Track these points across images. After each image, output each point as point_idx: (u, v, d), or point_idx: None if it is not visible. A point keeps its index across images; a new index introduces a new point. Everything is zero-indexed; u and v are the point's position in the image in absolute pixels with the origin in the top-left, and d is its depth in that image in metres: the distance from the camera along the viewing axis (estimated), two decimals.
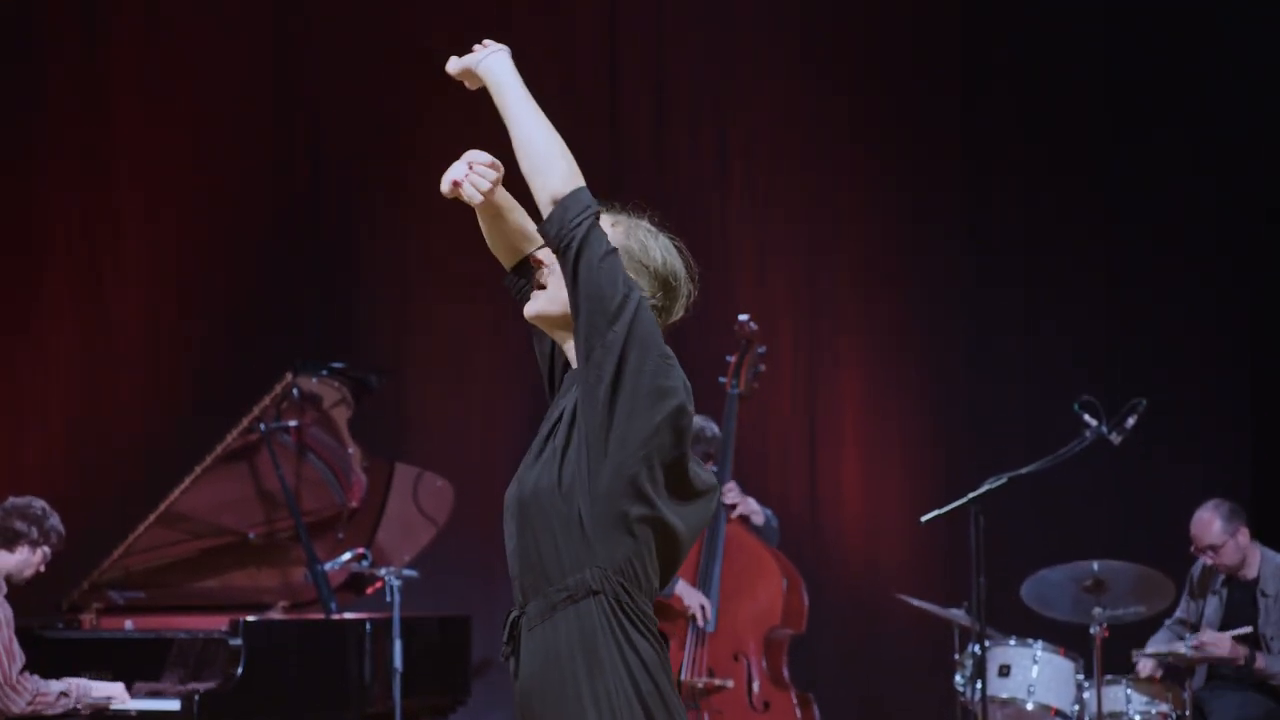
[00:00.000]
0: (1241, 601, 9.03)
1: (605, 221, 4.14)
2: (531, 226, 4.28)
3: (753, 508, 8.98)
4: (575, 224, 3.98)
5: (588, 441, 3.97)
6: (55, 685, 8.13)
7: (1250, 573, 8.97)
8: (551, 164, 4.10)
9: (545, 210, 4.05)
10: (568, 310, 4.04)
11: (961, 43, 11.27)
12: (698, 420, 8.51)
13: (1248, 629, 8.75)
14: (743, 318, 9.09)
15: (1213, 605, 9.09)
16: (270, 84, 11.16)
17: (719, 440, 8.93)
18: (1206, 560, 8.94)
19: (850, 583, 10.61)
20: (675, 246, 4.38)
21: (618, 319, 3.95)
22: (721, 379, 9.00)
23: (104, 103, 11.06)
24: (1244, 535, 8.92)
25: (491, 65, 4.33)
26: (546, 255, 4.17)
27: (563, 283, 4.06)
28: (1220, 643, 8.70)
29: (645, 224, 4.34)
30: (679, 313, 4.32)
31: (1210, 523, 8.87)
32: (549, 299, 4.15)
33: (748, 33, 11.20)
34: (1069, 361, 10.52)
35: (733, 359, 9.01)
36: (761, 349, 9.06)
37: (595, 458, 3.96)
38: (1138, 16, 11.17)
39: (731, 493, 8.89)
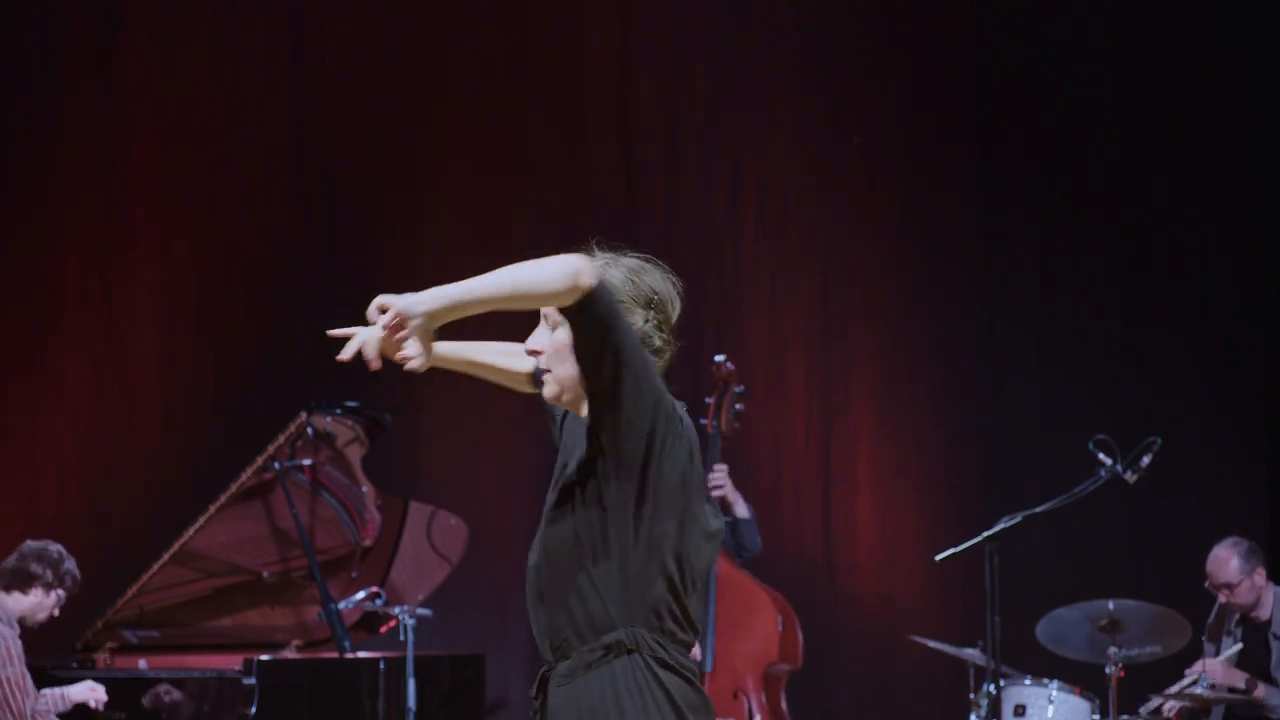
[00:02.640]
0: (1255, 643, 9.05)
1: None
2: (517, 362, 4.49)
3: (740, 510, 9.01)
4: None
5: (613, 505, 3.99)
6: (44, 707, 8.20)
7: (1264, 613, 8.98)
8: (539, 281, 3.96)
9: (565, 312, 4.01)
10: (575, 385, 4.10)
11: (976, 81, 11.28)
12: None
13: (1238, 646, 8.76)
14: (719, 358, 9.14)
15: (1226, 649, 9.09)
16: (286, 128, 11.17)
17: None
18: (1221, 598, 8.92)
19: (864, 622, 10.59)
20: (646, 265, 4.29)
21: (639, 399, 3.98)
22: (702, 420, 9.00)
23: (120, 144, 11.06)
24: (1260, 575, 8.91)
25: (428, 298, 4.16)
26: (537, 342, 4.20)
27: (562, 361, 4.10)
28: (1215, 670, 8.70)
29: (624, 260, 4.27)
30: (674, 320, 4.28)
31: (1227, 560, 8.86)
32: (556, 381, 4.16)
33: (760, 71, 11.23)
34: (1084, 400, 10.52)
35: (711, 400, 9.05)
36: (739, 388, 9.09)
37: (621, 520, 3.98)
38: (1154, 60, 11.20)
39: (720, 478, 8.96)
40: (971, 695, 8.74)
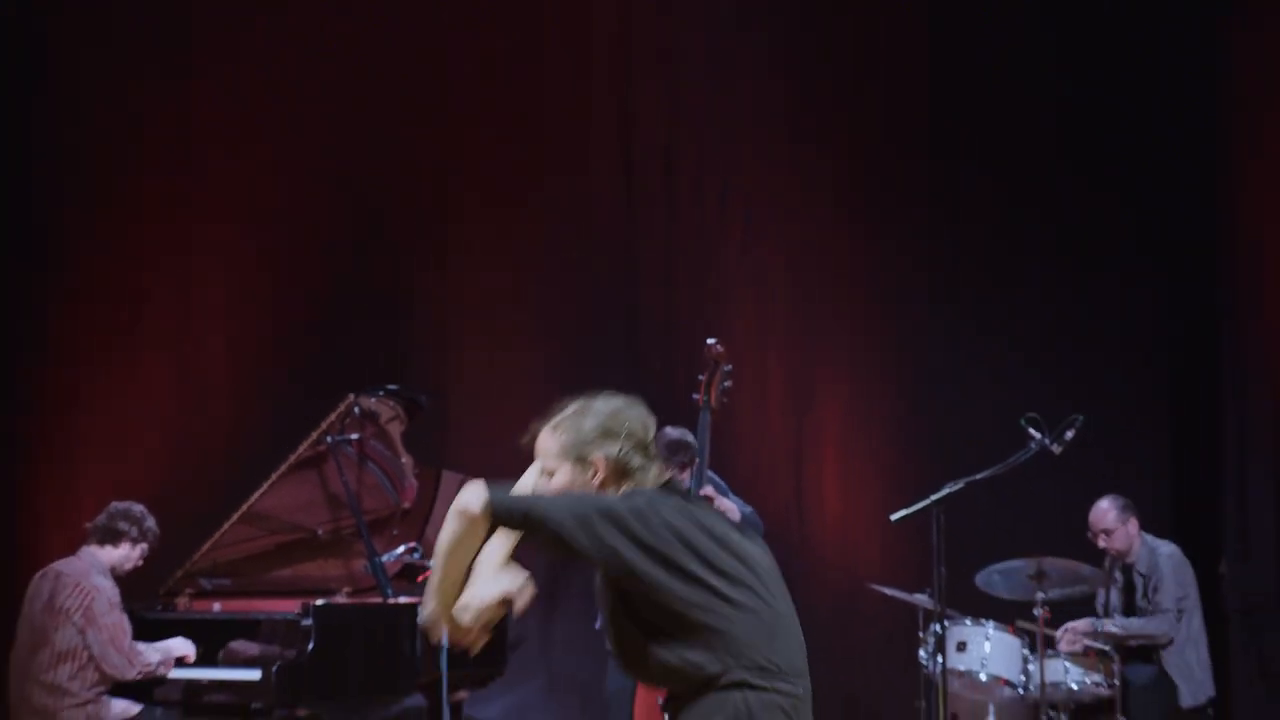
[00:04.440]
0: (1128, 583, 9.26)
1: (554, 442, 4.39)
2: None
3: (729, 506, 8.94)
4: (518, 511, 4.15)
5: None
6: (153, 655, 8.30)
7: (1133, 558, 9.21)
8: (455, 536, 4.21)
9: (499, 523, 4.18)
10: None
11: (929, 112, 11.29)
12: (676, 431, 8.68)
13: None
14: (710, 341, 9.00)
15: (1113, 591, 9.31)
16: (334, 153, 11.20)
17: (693, 449, 8.96)
18: (1100, 543, 9.18)
19: (830, 574, 10.63)
20: (619, 404, 4.47)
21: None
22: (695, 395, 8.94)
23: (194, 164, 11.13)
24: (1134, 525, 9.18)
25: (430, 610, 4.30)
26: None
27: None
28: (1075, 633, 8.96)
29: (596, 403, 4.46)
30: (650, 439, 4.39)
31: (1107, 511, 9.16)
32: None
33: (745, 105, 11.24)
34: (1018, 383, 10.52)
35: (703, 377, 8.93)
36: (728, 367, 8.95)
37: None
38: (1080, 81, 11.26)
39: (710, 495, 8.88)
40: (920, 634, 8.89)
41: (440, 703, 8.71)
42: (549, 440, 4.39)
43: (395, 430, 8.94)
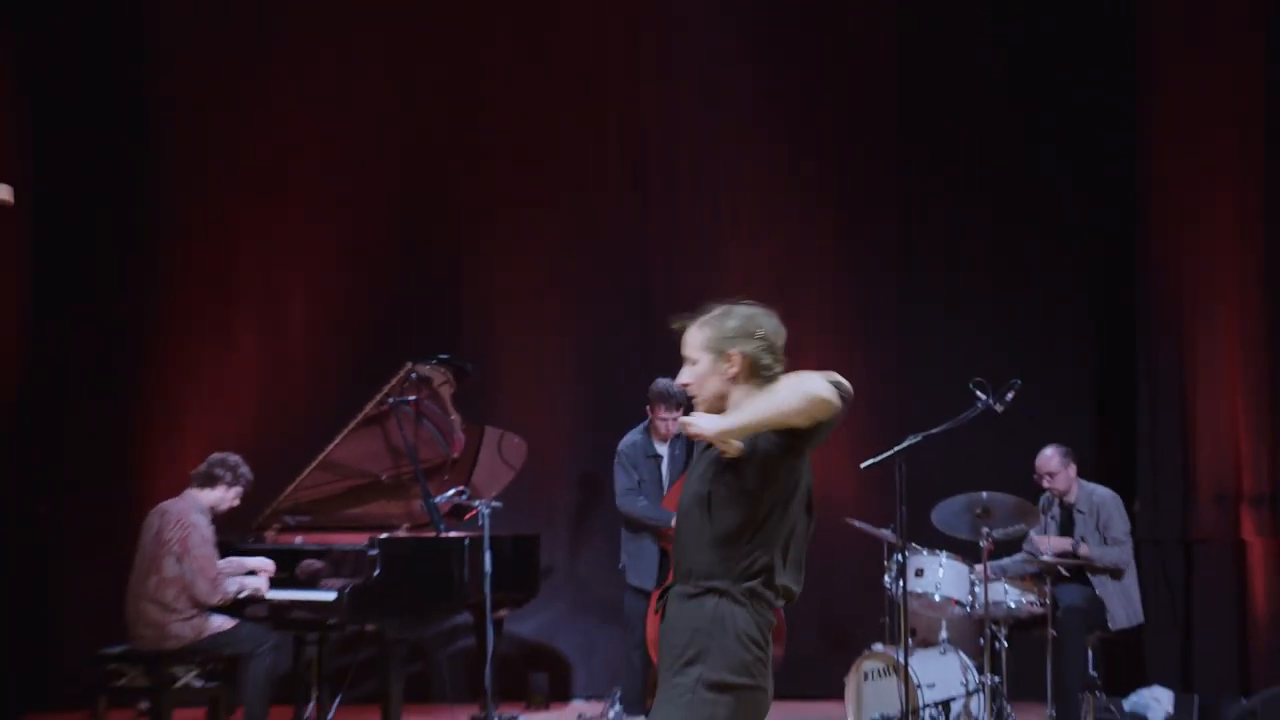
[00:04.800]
0: (1066, 519, 9.27)
1: (699, 335, 4.28)
2: None
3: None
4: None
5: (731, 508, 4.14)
6: (231, 586, 8.39)
7: (1071, 497, 9.20)
8: (798, 407, 4.04)
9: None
10: (712, 403, 4.26)
11: (896, 129, 11.27)
12: (666, 381, 9.02)
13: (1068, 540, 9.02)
14: None
15: (1051, 523, 9.34)
16: (400, 155, 11.25)
17: (681, 396, 8.97)
18: (1044, 484, 9.18)
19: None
20: (757, 311, 4.40)
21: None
22: None
23: (280, 163, 11.19)
24: (1073, 470, 9.17)
25: (720, 424, 4.06)
26: (686, 376, 4.31)
27: (703, 386, 4.28)
28: (1053, 543, 8.98)
29: (738, 307, 4.37)
30: (780, 345, 4.34)
31: (1052, 457, 9.15)
32: (701, 401, 4.30)
33: (735, 124, 11.23)
34: (969, 352, 10.52)
35: None
36: None
37: (732, 520, 4.15)
38: (1026, 81, 11.22)
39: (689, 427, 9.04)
40: (885, 563, 8.90)
41: (485, 619, 8.84)
42: (695, 334, 4.29)
43: (446, 392, 8.97)
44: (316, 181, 11.23)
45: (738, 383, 4.20)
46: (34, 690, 10.29)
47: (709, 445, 4.19)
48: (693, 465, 4.31)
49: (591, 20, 11.35)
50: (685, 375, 4.28)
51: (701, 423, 4.02)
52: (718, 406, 4.21)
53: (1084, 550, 8.93)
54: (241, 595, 8.36)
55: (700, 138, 11.32)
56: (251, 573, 8.53)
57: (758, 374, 4.21)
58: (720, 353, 4.21)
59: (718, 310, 4.31)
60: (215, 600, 8.26)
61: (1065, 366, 11.12)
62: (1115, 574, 9.02)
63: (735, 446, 4.01)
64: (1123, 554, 9.05)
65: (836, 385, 4.09)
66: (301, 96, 11.23)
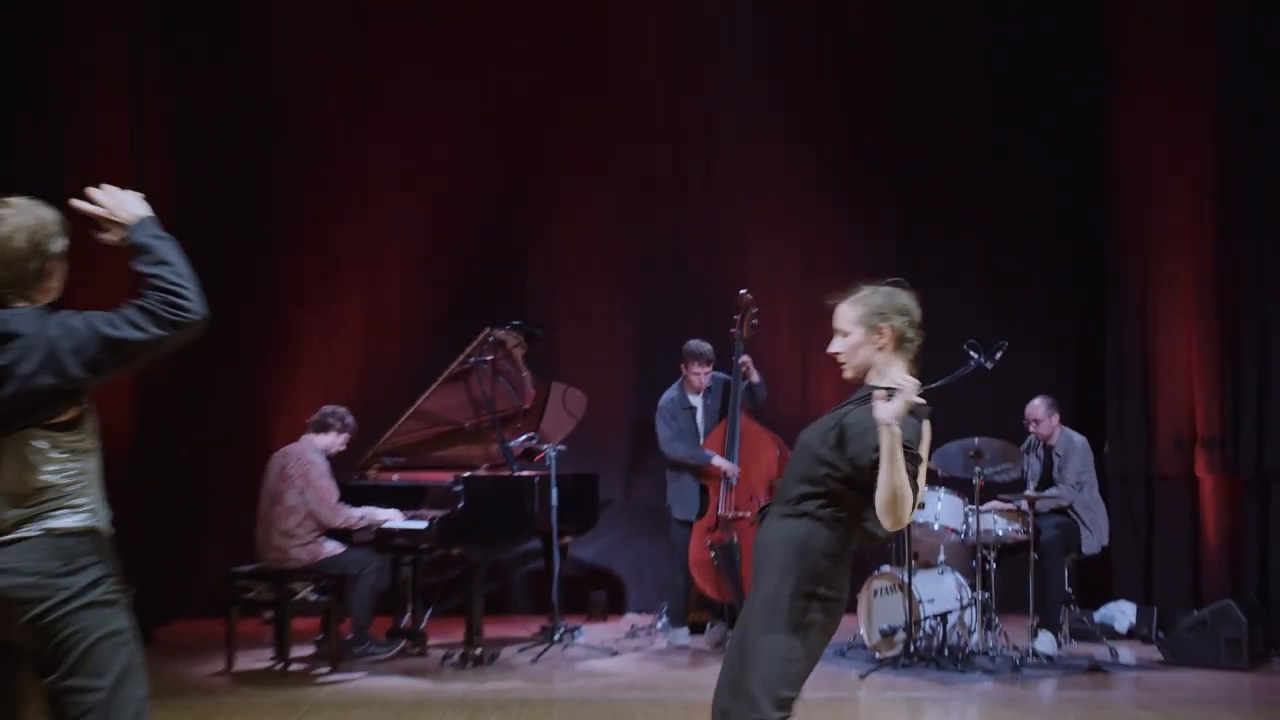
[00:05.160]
0: (1046, 458, 9.28)
1: (852, 311, 4.12)
2: None
3: (755, 377, 9.14)
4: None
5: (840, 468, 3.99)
6: (355, 512, 8.49)
7: (1053, 442, 9.23)
8: (901, 505, 3.80)
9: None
10: (860, 371, 4.15)
11: (894, 130, 11.23)
12: (696, 341, 9.13)
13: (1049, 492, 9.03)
14: (742, 290, 9.21)
15: (1033, 463, 9.33)
16: (474, 152, 11.23)
17: (709, 353, 9.25)
18: (1031, 429, 9.20)
19: None
20: (896, 289, 4.24)
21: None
22: (731, 329, 9.16)
23: (375, 163, 11.18)
24: (1056, 418, 9.20)
25: (891, 440, 3.79)
26: (837, 346, 4.17)
27: (853, 356, 4.15)
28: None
29: (884, 287, 4.22)
30: (919, 320, 4.21)
31: (1040, 406, 9.17)
32: (851, 369, 4.19)
33: (761, 132, 11.19)
34: (964, 316, 10.46)
35: (737, 316, 9.13)
36: (755, 309, 9.17)
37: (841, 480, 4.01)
38: (1010, 69, 11.17)
39: (747, 363, 9.11)
40: None
41: (552, 545, 8.92)
42: (848, 310, 4.17)
43: (518, 353, 9.03)
44: (411, 176, 11.24)
45: (884, 352, 4.11)
46: (181, 601, 10.43)
47: (844, 413, 4.09)
48: (821, 420, 4.21)
49: (641, 45, 11.33)
50: (837, 345, 4.17)
51: (885, 412, 3.82)
52: (863, 373, 4.13)
53: (1055, 491, 8.99)
54: (364, 524, 8.46)
55: (730, 143, 11.29)
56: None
57: (902, 346, 4.13)
58: (872, 327, 4.11)
59: (867, 290, 4.18)
60: (337, 522, 8.37)
61: (1046, 330, 11.07)
62: (1059, 510, 9.05)
63: (891, 433, 3.81)
64: (1065, 493, 9.07)
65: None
66: (398, 102, 11.23)
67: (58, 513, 3.40)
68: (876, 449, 3.83)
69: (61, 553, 3.37)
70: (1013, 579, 9.16)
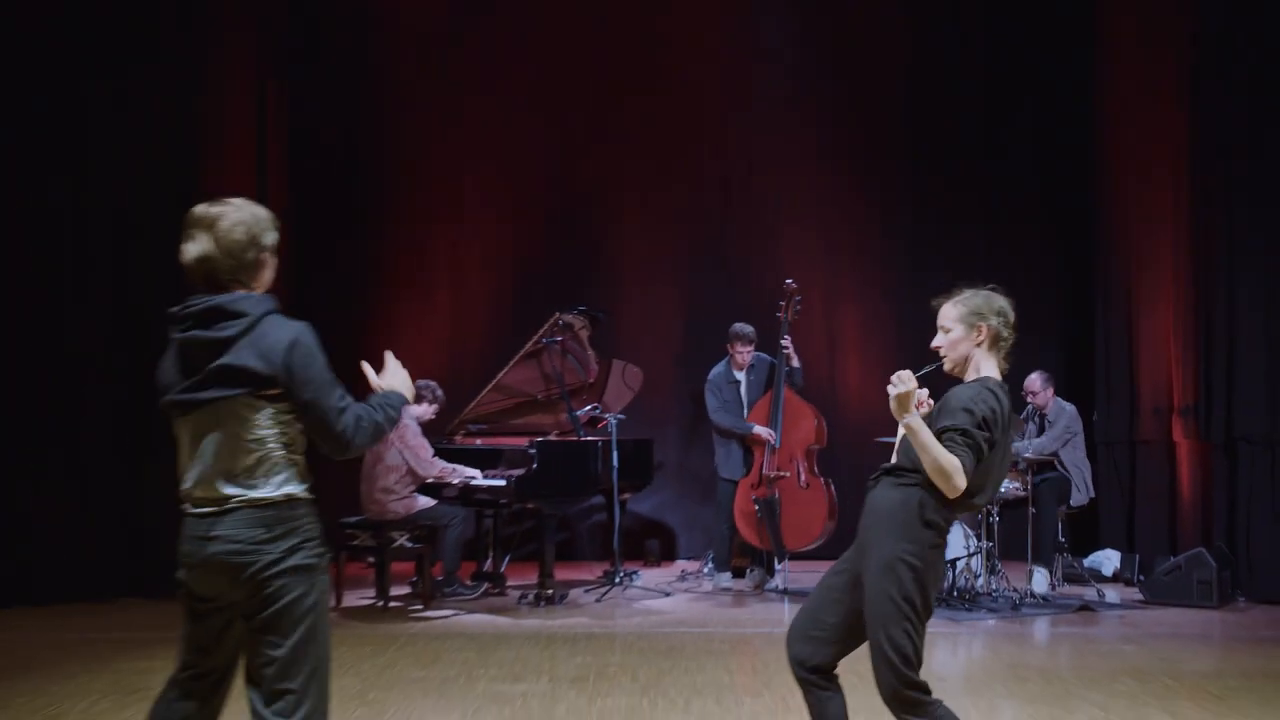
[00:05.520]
0: (1041, 425, 9.22)
1: (955, 310, 3.99)
2: None
3: (795, 362, 9.05)
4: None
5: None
6: (446, 465, 8.46)
7: (1048, 411, 9.16)
8: (948, 477, 3.69)
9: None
10: (959, 366, 4.01)
11: (905, 134, 11.13)
12: (741, 324, 8.99)
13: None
14: (788, 281, 9.16)
15: (1031, 430, 9.25)
16: (548, 159, 11.18)
17: (752, 334, 9.15)
18: (1028, 399, 9.11)
19: (852, 424, 10.52)
20: (993, 292, 4.06)
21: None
22: (777, 314, 9.07)
23: (465, 168, 11.14)
24: (1050, 390, 9.13)
25: (911, 423, 3.77)
26: (940, 341, 4.02)
27: (953, 350, 3.99)
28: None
29: (983, 290, 4.07)
30: (1013, 320, 4.03)
31: (1035, 380, 9.13)
32: (950, 362, 4.04)
33: (791, 141, 11.13)
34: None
35: (783, 303, 9.08)
36: (798, 297, 9.12)
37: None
38: (1002, 67, 11.09)
39: (789, 347, 9.00)
40: None
41: (613, 500, 8.88)
42: (950, 309, 4.03)
43: (584, 334, 8.99)
44: (491, 181, 11.21)
45: (981, 349, 3.98)
46: None
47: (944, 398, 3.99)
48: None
49: (690, 62, 11.26)
50: (939, 340, 4.04)
51: (897, 400, 3.82)
52: (962, 366, 4.01)
53: (1025, 453, 8.86)
54: (456, 480, 8.43)
55: (766, 151, 11.22)
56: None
57: (998, 343, 3.99)
58: (971, 325, 3.98)
59: (967, 292, 4.04)
60: (432, 472, 8.35)
61: (1040, 311, 10.87)
62: (1050, 466, 8.97)
63: (907, 425, 3.79)
64: (1046, 444, 8.98)
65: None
66: (480, 117, 11.21)
67: (262, 483, 3.35)
68: (941, 429, 3.78)
69: (264, 521, 3.33)
70: (1013, 530, 9.14)
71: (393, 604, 8.42)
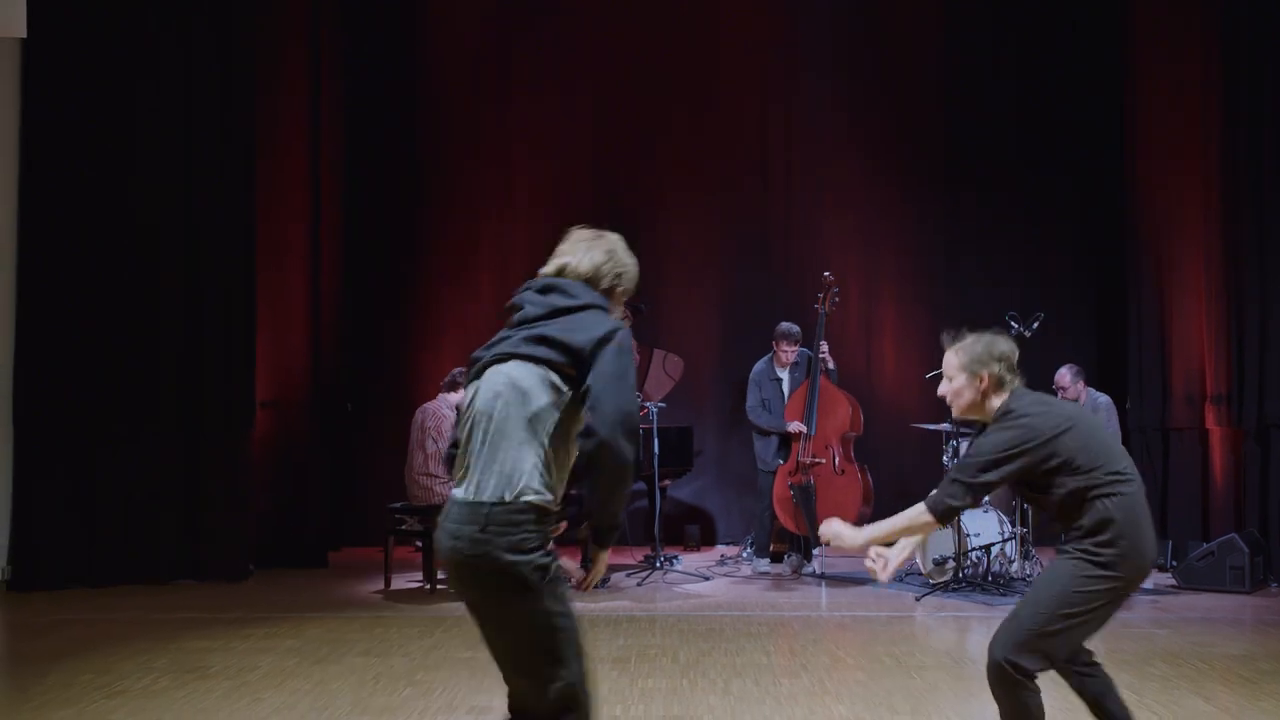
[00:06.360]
0: None
1: (956, 359, 3.98)
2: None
3: (830, 364, 9.05)
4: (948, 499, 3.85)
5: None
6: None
7: (1082, 404, 9.09)
8: (921, 530, 3.91)
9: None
10: (966, 411, 3.98)
11: (942, 132, 11.12)
12: (787, 324, 8.93)
13: None
14: (826, 274, 9.17)
15: None
16: (587, 159, 11.22)
17: (798, 334, 9.11)
18: (1059, 394, 8.99)
19: (889, 411, 10.56)
20: (995, 336, 4.06)
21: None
22: (816, 305, 9.08)
23: (506, 155, 11.22)
24: (1081, 383, 9.03)
25: (852, 535, 3.92)
26: (943, 390, 4.01)
27: (958, 399, 3.97)
28: None
29: (986, 336, 4.05)
30: (1015, 361, 4.04)
31: (1064, 374, 9.03)
32: (956, 409, 4.02)
33: (825, 136, 11.14)
34: (1006, 292, 10.40)
35: (821, 294, 9.08)
36: (836, 289, 9.12)
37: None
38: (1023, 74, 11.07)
39: (826, 353, 9.00)
40: (943, 446, 8.80)
41: (654, 486, 8.94)
42: (951, 358, 4.01)
43: (625, 324, 8.93)
44: (537, 178, 11.24)
45: (987, 396, 3.96)
46: (346, 531, 10.59)
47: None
48: None
49: (735, 63, 11.29)
50: (943, 389, 4.03)
51: (841, 538, 3.96)
52: (971, 412, 3.99)
53: None
54: None
55: (803, 145, 11.23)
56: None
57: (1001, 387, 3.96)
58: (974, 374, 3.96)
59: (969, 338, 4.02)
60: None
61: (1077, 302, 10.98)
62: None
63: (878, 568, 3.97)
64: None
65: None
66: (529, 117, 11.26)
67: (504, 484, 3.22)
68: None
69: (496, 520, 3.19)
70: (1046, 516, 9.01)
71: (440, 587, 8.45)
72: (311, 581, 8.93)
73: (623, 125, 11.25)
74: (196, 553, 8.85)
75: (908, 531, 3.93)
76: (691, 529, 10.82)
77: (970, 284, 10.91)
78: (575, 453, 3.30)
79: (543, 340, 3.31)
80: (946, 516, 3.86)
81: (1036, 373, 9.38)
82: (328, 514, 9.99)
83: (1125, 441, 9.34)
